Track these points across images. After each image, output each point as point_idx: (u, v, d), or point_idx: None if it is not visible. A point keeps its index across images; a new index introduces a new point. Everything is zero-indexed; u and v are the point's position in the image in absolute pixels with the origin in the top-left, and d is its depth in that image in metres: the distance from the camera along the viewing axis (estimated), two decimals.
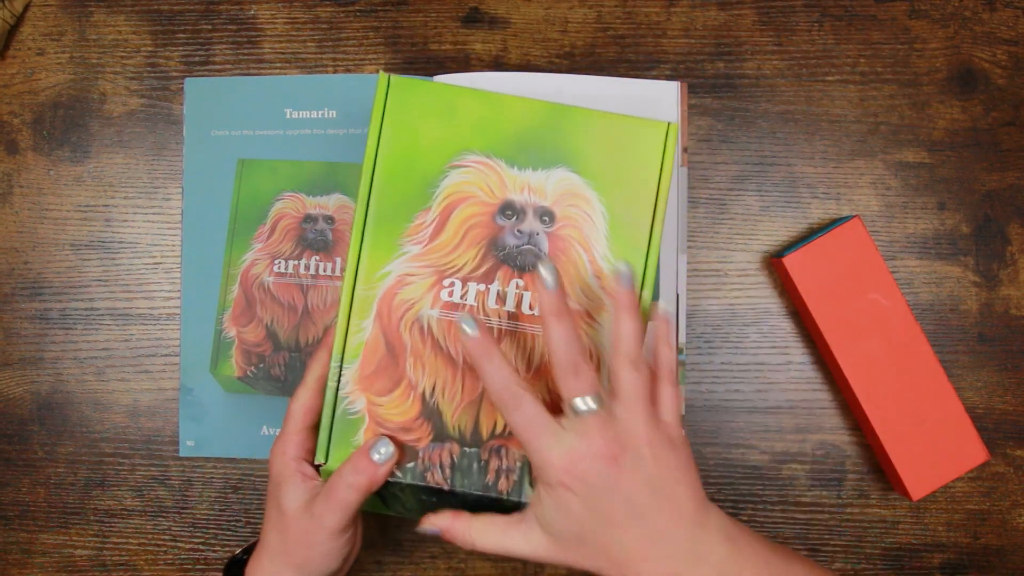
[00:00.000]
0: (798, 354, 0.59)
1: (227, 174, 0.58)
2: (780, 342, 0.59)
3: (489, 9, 0.59)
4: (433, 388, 0.37)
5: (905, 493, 0.56)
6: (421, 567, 0.58)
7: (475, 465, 0.37)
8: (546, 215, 0.36)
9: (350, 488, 0.39)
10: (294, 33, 0.59)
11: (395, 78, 0.37)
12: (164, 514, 0.59)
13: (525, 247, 0.36)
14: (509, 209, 0.36)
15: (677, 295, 0.57)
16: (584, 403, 0.39)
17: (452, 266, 0.36)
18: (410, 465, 0.37)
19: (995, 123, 0.59)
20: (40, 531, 0.59)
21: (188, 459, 0.59)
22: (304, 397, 0.44)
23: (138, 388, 0.59)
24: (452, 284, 0.36)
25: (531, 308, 0.36)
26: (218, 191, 0.58)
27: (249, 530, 0.59)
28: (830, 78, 0.59)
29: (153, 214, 0.59)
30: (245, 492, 0.59)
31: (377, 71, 0.59)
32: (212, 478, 0.59)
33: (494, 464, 0.37)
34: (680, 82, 0.58)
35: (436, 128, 0.36)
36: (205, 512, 0.59)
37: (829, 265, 0.55)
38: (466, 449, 0.37)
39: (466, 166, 0.36)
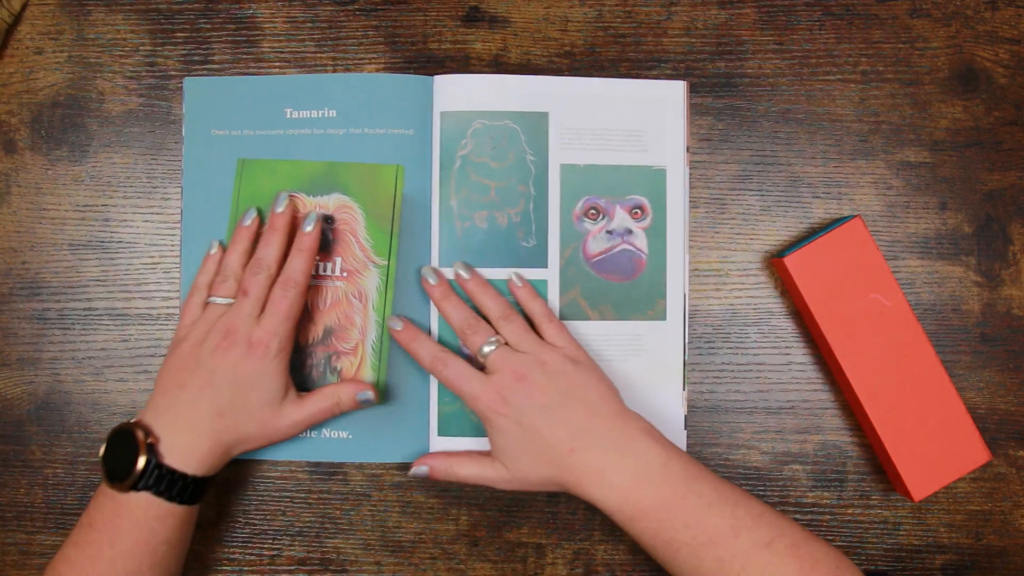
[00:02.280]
0: (799, 354, 0.59)
1: (227, 174, 0.58)
2: (781, 342, 0.59)
3: (489, 8, 0.59)
4: None
5: (907, 494, 0.55)
6: (420, 568, 0.58)
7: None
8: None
9: None
10: (293, 32, 0.59)
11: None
12: None
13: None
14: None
15: (684, 295, 0.57)
16: (487, 346, 0.52)
17: None
18: None
19: (997, 122, 0.59)
20: (38, 532, 0.58)
21: None
22: None
23: (136, 388, 0.59)
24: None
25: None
26: (218, 191, 0.58)
27: (248, 530, 0.58)
28: (831, 77, 0.59)
29: (152, 214, 0.59)
30: (244, 492, 0.59)
31: (377, 71, 0.59)
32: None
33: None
34: (686, 81, 0.58)
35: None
36: (204, 512, 0.58)
37: (830, 265, 0.55)
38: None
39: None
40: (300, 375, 0.57)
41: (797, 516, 0.58)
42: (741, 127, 0.59)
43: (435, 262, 0.57)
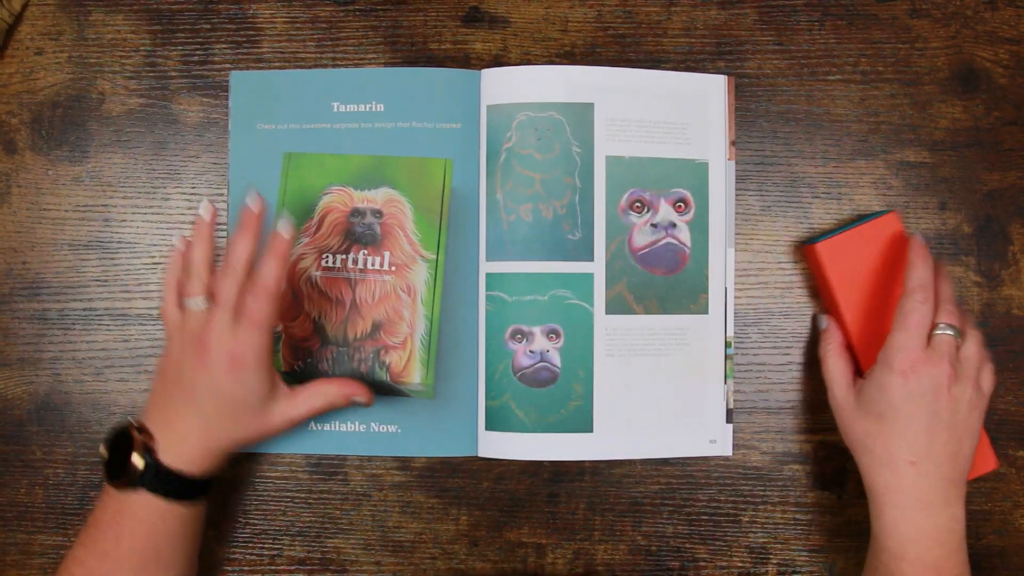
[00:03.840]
0: (799, 354, 0.59)
1: (273, 168, 0.58)
2: (781, 342, 0.59)
3: (489, 8, 0.59)
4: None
5: None
6: (420, 568, 0.58)
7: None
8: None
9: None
10: (293, 32, 0.59)
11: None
12: None
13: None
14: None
15: (725, 289, 0.57)
16: (950, 329, 0.50)
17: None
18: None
19: (997, 122, 0.59)
20: (38, 532, 0.58)
21: None
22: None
23: (137, 388, 0.59)
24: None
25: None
26: (264, 185, 0.58)
27: (248, 530, 0.58)
28: (831, 77, 0.59)
29: (152, 214, 0.59)
30: (244, 492, 0.59)
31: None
32: None
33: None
34: (728, 76, 0.58)
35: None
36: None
37: (861, 256, 0.55)
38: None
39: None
40: (348, 369, 0.57)
41: (798, 516, 0.58)
42: (741, 127, 0.59)
43: (483, 256, 0.57)
